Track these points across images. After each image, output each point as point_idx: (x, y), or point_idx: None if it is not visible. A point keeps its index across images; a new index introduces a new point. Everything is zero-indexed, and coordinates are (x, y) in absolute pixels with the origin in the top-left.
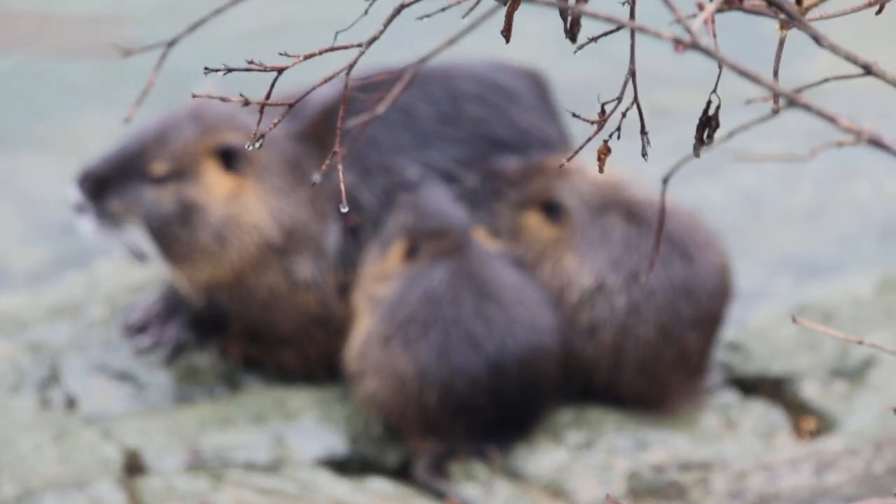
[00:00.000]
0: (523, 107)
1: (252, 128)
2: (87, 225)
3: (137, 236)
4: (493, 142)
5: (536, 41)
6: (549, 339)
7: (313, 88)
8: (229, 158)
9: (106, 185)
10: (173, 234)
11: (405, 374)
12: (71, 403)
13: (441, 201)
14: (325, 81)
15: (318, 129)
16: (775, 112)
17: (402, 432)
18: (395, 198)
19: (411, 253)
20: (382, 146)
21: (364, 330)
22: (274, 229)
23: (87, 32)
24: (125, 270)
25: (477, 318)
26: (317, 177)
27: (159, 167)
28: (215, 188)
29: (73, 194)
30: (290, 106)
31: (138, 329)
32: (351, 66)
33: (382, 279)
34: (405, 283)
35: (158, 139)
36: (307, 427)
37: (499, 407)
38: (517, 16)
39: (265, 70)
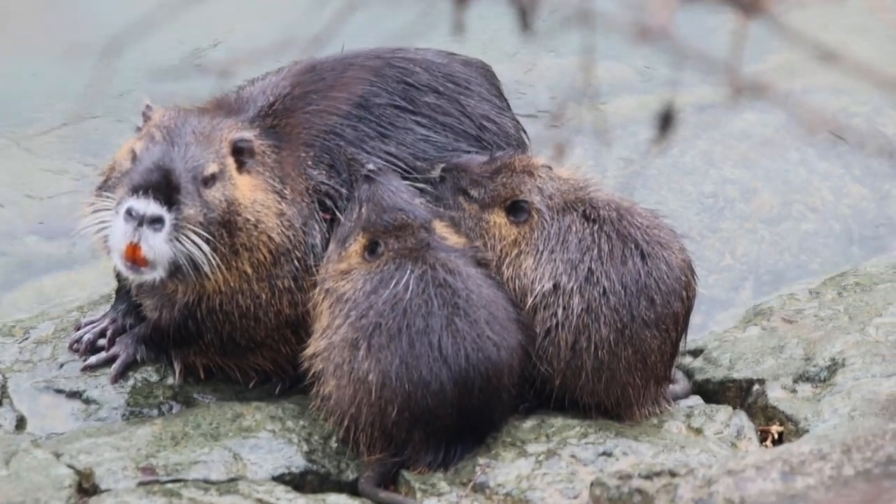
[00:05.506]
0: (476, 97)
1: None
2: (158, 239)
3: (196, 244)
4: (450, 132)
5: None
6: (516, 357)
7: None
8: (241, 154)
9: (178, 193)
10: (220, 237)
11: (367, 380)
12: (20, 423)
13: (399, 194)
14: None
15: (271, 125)
16: (733, 99)
17: (356, 439)
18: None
19: (371, 248)
20: (345, 138)
21: (326, 329)
22: (280, 234)
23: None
24: (75, 286)
25: (446, 332)
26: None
27: (211, 168)
28: (241, 187)
29: (150, 208)
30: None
31: (87, 347)
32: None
33: (343, 275)
34: (371, 286)
35: (205, 138)
36: (263, 443)
37: (460, 421)
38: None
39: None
